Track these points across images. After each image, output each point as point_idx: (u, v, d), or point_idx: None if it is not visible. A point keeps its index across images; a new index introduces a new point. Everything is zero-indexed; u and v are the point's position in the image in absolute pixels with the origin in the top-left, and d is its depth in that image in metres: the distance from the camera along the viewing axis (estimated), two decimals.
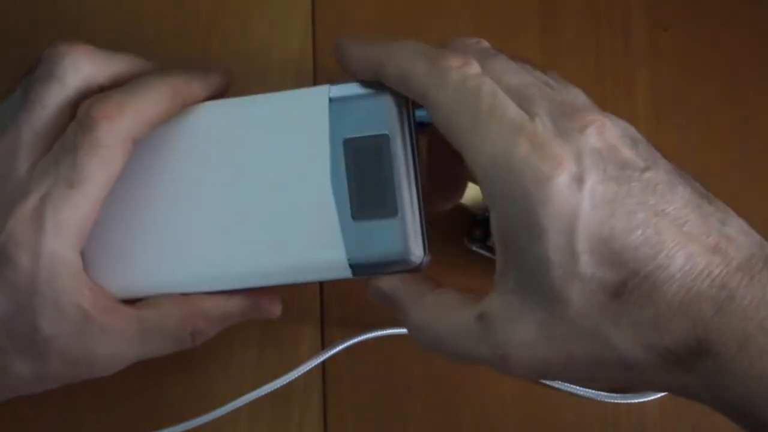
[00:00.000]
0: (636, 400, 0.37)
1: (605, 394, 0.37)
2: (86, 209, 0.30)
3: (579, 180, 0.25)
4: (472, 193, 0.36)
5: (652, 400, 0.37)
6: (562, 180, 0.25)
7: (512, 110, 0.26)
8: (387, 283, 0.30)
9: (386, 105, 0.30)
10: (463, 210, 0.37)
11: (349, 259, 0.30)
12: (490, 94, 0.27)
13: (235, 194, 0.31)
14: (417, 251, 0.30)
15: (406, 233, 0.30)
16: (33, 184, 0.30)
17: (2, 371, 0.32)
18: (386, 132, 0.30)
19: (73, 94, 0.31)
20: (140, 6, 0.41)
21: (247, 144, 0.31)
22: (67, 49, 0.31)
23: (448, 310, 0.29)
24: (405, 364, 0.38)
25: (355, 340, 0.37)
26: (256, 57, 0.41)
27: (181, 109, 0.32)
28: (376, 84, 0.30)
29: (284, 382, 0.36)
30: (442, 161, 0.33)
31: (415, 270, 0.30)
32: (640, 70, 0.41)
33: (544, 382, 0.37)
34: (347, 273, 0.31)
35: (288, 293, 0.38)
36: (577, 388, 0.37)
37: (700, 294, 0.24)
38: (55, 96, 0.30)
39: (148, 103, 0.30)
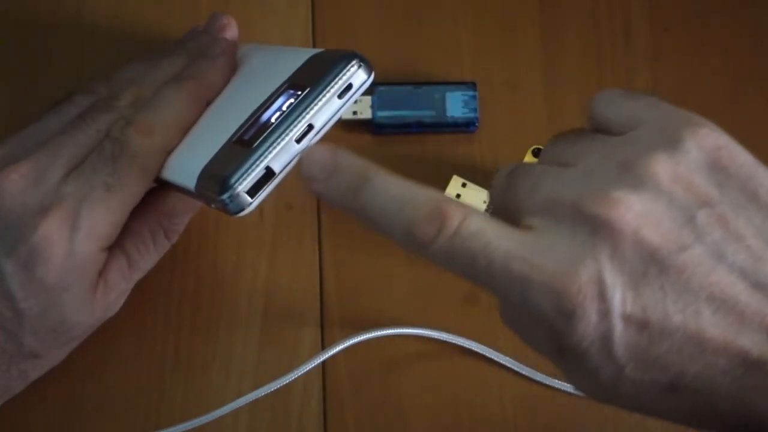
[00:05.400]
0: None
1: None
2: (119, 214, 0.32)
3: (602, 299, 0.22)
4: (475, 195, 0.36)
5: None
6: (586, 312, 0.22)
7: (504, 246, 0.23)
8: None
9: (342, 70, 0.30)
10: None
11: (202, 170, 0.30)
12: (483, 249, 0.23)
13: (220, 103, 0.34)
14: (234, 182, 0.29)
15: (241, 167, 0.29)
16: (69, 189, 0.32)
17: (23, 375, 0.34)
18: (314, 89, 0.30)
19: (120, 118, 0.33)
20: (141, 5, 0.41)
21: (246, 72, 0.35)
22: (131, 90, 0.34)
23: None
24: (405, 364, 0.38)
25: (355, 340, 0.37)
26: None
27: (205, 107, 0.34)
28: (355, 54, 0.30)
29: (284, 382, 0.36)
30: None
31: (228, 211, 0.29)
32: (640, 70, 0.41)
33: (544, 381, 0.37)
34: (192, 183, 0.30)
35: (288, 294, 0.38)
36: None
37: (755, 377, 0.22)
38: (108, 123, 0.33)
39: (174, 116, 0.33)
